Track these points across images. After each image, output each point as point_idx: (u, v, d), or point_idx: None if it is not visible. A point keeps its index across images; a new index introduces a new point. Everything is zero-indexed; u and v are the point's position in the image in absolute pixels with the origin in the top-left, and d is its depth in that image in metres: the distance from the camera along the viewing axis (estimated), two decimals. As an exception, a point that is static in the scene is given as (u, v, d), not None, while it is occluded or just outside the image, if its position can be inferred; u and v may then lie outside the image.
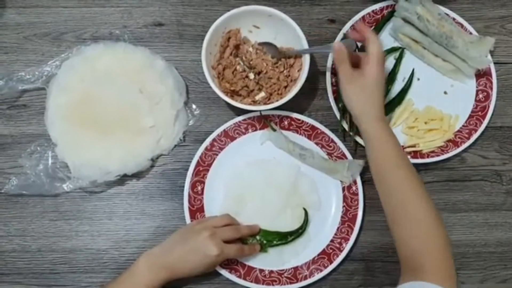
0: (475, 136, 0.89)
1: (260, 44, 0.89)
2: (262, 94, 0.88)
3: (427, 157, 0.88)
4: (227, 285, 0.85)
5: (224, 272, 0.84)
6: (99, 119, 0.86)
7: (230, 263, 0.84)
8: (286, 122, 0.89)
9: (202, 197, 0.87)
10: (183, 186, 0.86)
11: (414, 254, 0.71)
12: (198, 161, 0.87)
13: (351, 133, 0.88)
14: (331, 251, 0.86)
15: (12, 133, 0.89)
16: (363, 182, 0.87)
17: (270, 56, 0.88)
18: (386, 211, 0.76)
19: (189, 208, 0.86)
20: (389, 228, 0.76)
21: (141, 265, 0.76)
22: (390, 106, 0.91)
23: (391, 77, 0.91)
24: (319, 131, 0.89)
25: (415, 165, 0.89)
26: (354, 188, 0.87)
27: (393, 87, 0.92)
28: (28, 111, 0.90)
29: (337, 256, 0.85)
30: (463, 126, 0.90)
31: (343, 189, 0.87)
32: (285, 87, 0.88)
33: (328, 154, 0.88)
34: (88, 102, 0.86)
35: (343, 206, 0.87)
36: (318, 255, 0.86)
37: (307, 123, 0.89)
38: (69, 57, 0.89)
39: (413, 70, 0.92)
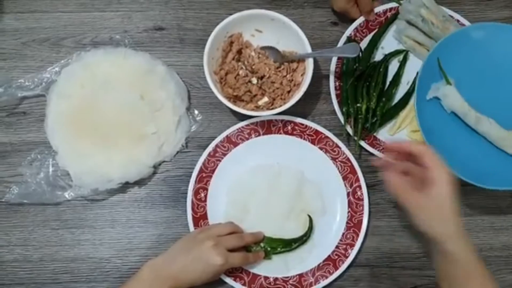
0: None
1: (262, 48, 0.88)
2: (265, 99, 0.86)
3: None
4: (231, 293, 0.84)
5: (229, 280, 0.83)
6: (100, 126, 0.85)
7: (234, 271, 0.83)
8: (289, 127, 0.88)
9: (205, 204, 0.86)
10: (186, 193, 0.85)
11: None
12: (201, 168, 0.86)
13: (355, 138, 0.87)
14: (336, 257, 0.85)
15: (12, 141, 0.88)
16: (368, 187, 0.86)
17: (272, 61, 0.87)
18: None
19: (192, 215, 0.85)
20: None
21: (144, 276, 0.75)
22: (395, 109, 0.90)
23: (395, 80, 0.90)
24: (323, 136, 0.88)
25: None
26: (359, 193, 0.86)
27: (397, 90, 0.91)
28: (28, 118, 0.88)
29: (343, 262, 0.84)
30: None
31: (348, 194, 0.86)
32: (288, 91, 0.87)
33: (332, 159, 0.87)
34: (88, 109, 0.85)
35: (348, 212, 0.86)
36: (323, 261, 0.85)
37: (311, 127, 0.88)
38: (69, 63, 0.88)
39: (417, 73, 0.90)
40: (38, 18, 0.91)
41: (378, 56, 0.91)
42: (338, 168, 0.87)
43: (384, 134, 0.90)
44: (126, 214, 0.87)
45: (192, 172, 0.86)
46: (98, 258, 0.85)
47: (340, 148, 0.87)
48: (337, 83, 0.89)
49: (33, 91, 0.87)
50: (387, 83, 0.91)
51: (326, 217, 0.86)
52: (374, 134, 0.89)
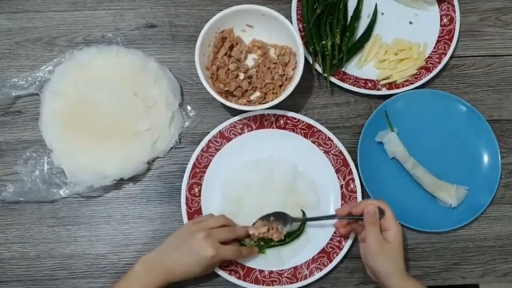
0: (445, 59, 0.91)
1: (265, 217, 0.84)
2: (257, 94, 0.87)
3: (402, 86, 0.90)
4: (227, 286, 0.84)
5: (224, 274, 0.83)
6: (94, 123, 0.85)
7: (229, 265, 0.84)
8: (282, 121, 0.88)
9: (200, 199, 0.87)
10: (180, 189, 0.86)
11: None
12: (194, 163, 0.87)
13: (325, 75, 0.89)
14: (330, 249, 0.85)
15: (7, 139, 0.89)
16: (360, 180, 0.87)
17: (282, 228, 0.84)
18: None
19: (186, 210, 0.86)
20: None
21: (138, 270, 0.76)
22: (359, 43, 0.93)
23: (355, 15, 0.93)
24: (315, 129, 0.88)
25: (392, 96, 0.90)
26: (352, 186, 0.86)
27: (359, 24, 0.93)
28: (22, 117, 0.89)
29: (337, 254, 0.85)
30: (432, 51, 0.93)
31: (341, 187, 0.87)
32: (280, 86, 0.88)
33: (325, 152, 0.88)
34: (82, 107, 0.86)
35: (342, 204, 0.86)
36: (318, 254, 0.85)
37: (303, 121, 0.88)
38: (62, 62, 0.88)
39: (375, 5, 0.94)
40: (30, 18, 0.92)
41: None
42: (331, 161, 0.88)
43: (353, 68, 0.92)
44: (121, 210, 0.88)
45: (186, 167, 0.87)
46: (95, 254, 0.86)
47: (332, 141, 0.88)
48: (300, 25, 0.91)
49: (27, 90, 0.88)
50: (349, 18, 0.93)
51: (320, 210, 0.87)
52: (343, 69, 0.91)
